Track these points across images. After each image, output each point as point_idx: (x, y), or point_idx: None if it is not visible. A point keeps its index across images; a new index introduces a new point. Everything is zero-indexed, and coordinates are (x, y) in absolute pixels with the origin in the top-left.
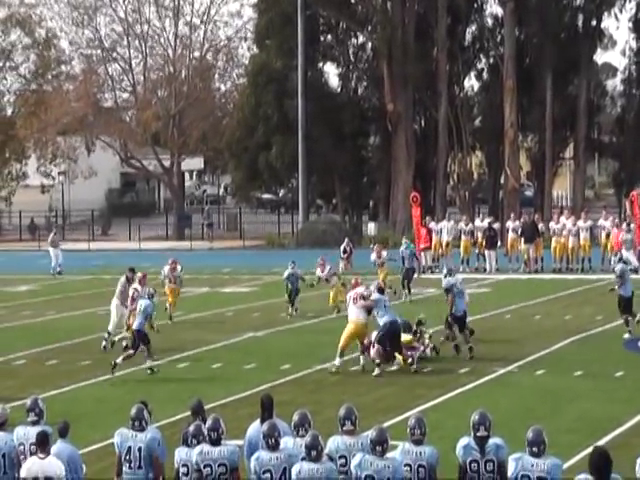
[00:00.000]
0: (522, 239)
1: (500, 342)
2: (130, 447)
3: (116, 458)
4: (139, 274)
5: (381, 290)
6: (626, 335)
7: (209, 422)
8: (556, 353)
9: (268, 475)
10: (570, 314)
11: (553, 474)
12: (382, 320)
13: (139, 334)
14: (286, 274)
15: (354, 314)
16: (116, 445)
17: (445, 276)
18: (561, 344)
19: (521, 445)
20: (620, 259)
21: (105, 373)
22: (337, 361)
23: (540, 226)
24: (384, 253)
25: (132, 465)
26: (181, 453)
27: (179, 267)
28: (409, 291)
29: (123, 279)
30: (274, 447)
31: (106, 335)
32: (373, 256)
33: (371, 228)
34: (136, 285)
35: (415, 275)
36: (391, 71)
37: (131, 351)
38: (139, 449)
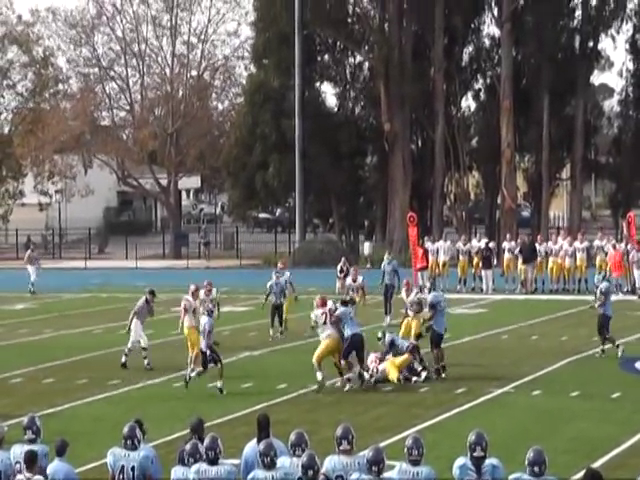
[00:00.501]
0: (520, 259)
1: (496, 362)
2: (123, 466)
3: (109, 477)
4: (192, 287)
5: (345, 303)
6: (598, 351)
7: (207, 441)
8: (552, 374)
9: None
10: (566, 335)
11: None
12: (346, 333)
13: (209, 354)
14: (269, 284)
15: (329, 330)
16: (109, 465)
17: (429, 290)
18: (557, 365)
19: (517, 465)
20: (604, 277)
21: (102, 391)
22: (319, 375)
23: (537, 247)
24: (360, 278)
25: None
26: (177, 472)
27: (214, 290)
28: (389, 310)
29: (142, 301)
30: (270, 466)
31: (126, 350)
32: (348, 280)
33: (366, 247)
34: (188, 296)
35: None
36: (388, 91)
37: (200, 369)
38: (132, 468)
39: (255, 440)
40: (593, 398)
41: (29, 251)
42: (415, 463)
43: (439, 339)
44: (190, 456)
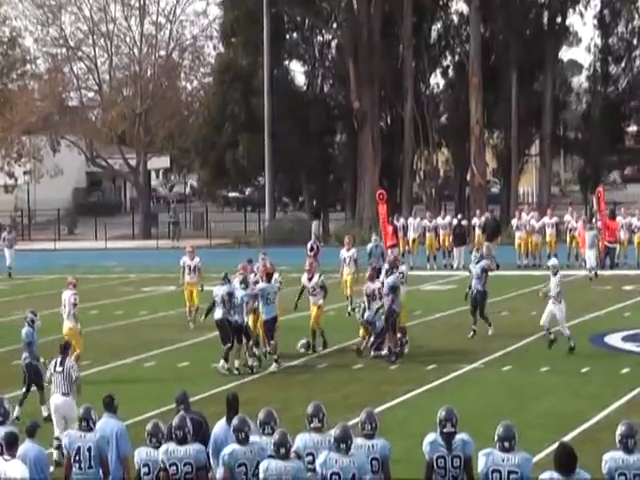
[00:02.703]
0: (483, 236)
1: (467, 339)
2: (79, 447)
3: (65, 459)
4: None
5: (269, 276)
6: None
7: (175, 420)
8: (522, 349)
9: (243, 468)
10: (536, 310)
11: (524, 468)
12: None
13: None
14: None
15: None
16: (64, 447)
17: (387, 273)
18: (527, 340)
19: (488, 441)
20: (554, 255)
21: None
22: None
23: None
24: (317, 276)
25: (82, 465)
26: (141, 453)
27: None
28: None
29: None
30: (244, 441)
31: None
32: (342, 251)
33: (314, 226)
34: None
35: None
36: (357, 69)
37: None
38: (88, 449)
39: (224, 419)
40: (563, 373)
41: (5, 233)
42: (369, 437)
43: (395, 320)
44: (152, 436)
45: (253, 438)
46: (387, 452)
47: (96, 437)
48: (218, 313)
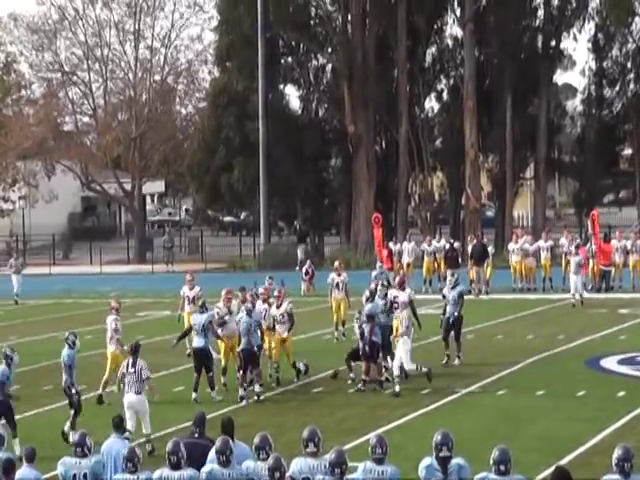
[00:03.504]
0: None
1: (462, 362)
2: (75, 475)
3: None
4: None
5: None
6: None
7: (169, 445)
8: (518, 373)
9: None
10: (532, 334)
11: None
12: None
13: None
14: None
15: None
16: (60, 475)
17: (367, 300)
18: (523, 364)
19: (483, 465)
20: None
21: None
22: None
23: (490, 248)
24: (285, 304)
25: None
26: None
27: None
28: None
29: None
30: (225, 463)
31: None
32: (333, 275)
33: (299, 251)
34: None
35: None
36: (352, 93)
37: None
38: (84, 475)
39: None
40: (558, 397)
41: (12, 259)
42: (379, 461)
43: (377, 350)
44: (128, 460)
45: (247, 464)
46: (397, 479)
47: (91, 462)
48: (198, 342)
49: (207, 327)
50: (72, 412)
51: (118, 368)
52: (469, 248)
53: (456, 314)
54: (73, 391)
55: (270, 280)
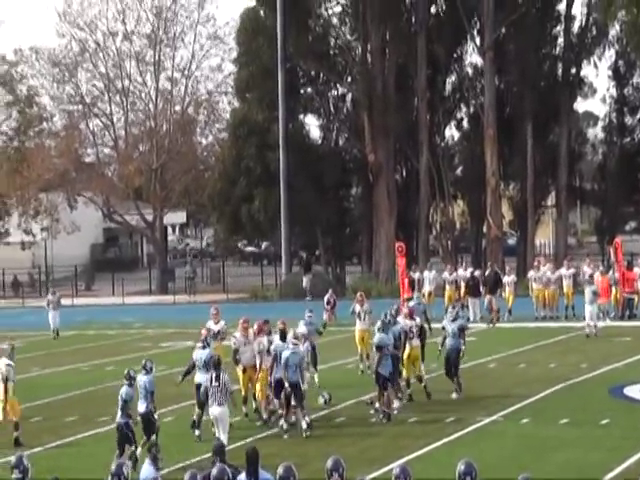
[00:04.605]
0: (484, 290)
1: (485, 391)
2: None
3: None
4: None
5: (284, 336)
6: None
7: (186, 476)
8: (541, 401)
9: None
10: (554, 362)
11: None
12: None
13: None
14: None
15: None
16: None
17: (379, 330)
18: (546, 392)
19: None
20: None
21: (91, 428)
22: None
23: (512, 277)
24: (367, 304)
25: None
26: None
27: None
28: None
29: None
30: None
31: None
32: (356, 306)
33: (305, 280)
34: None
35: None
36: (372, 122)
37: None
38: None
39: (244, 474)
40: (582, 425)
41: (49, 295)
42: None
43: (383, 382)
44: None
45: None
46: None
47: None
48: (200, 377)
49: (209, 363)
50: (151, 437)
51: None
52: (453, 276)
53: (455, 347)
54: (156, 416)
55: (310, 314)
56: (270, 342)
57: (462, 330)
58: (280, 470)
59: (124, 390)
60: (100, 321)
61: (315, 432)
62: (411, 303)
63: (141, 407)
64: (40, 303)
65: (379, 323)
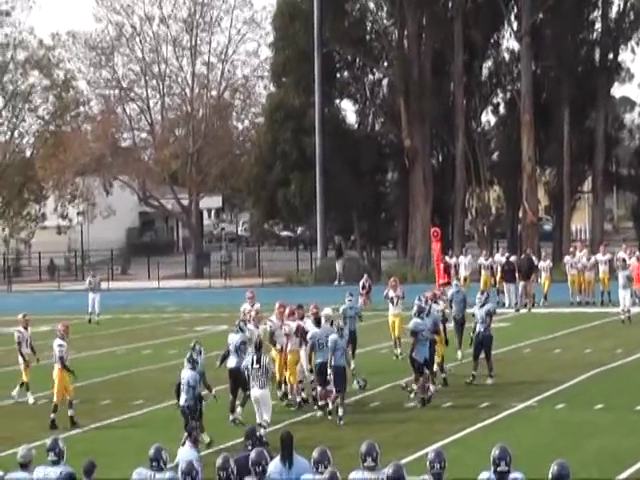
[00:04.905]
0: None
1: (520, 376)
2: None
3: None
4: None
5: (318, 321)
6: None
7: (218, 461)
8: (576, 387)
9: None
10: (590, 347)
11: None
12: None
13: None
14: (342, 308)
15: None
16: None
17: (415, 315)
18: (581, 377)
19: None
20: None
21: (124, 412)
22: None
23: (548, 262)
24: (400, 289)
25: None
26: None
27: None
28: (460, 344)
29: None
30: (261, 475)
31: None
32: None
33: (338, 265)
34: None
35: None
36: (408, 107)
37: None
38: None
39: (279, 458)
40: (617, 410)
41: (89, 277)
42: (438, 477)
43: (418, 368)
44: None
45: (305, 477)
46: None
47: (166, 477)
48: (232, 362)
49: (241, 347)
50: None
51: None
52: (485, 263)
53: (485, 333)
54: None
55: (351, 297)
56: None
57: (489, 315)
58: (315, 454)
59: (189, 375)
60: (136, 305)
61: (349, 416)
62: (450, 290)
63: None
64: (76, 287)
65: (415, 308)
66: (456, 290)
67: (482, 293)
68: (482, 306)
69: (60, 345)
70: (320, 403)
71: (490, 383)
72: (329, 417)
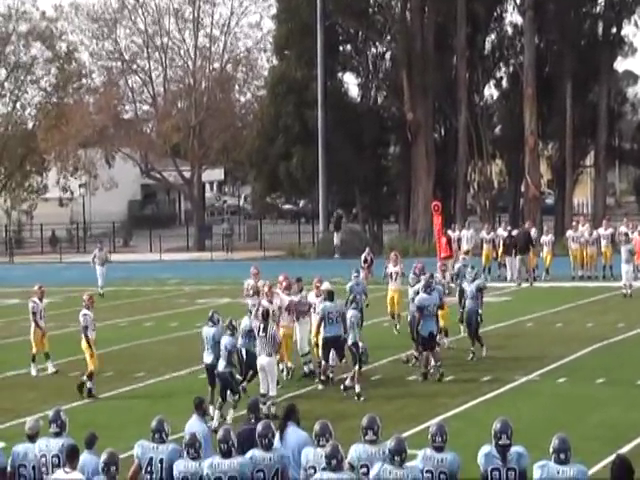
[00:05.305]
0: (514, 250)
1: (521, 350)
2: (152, 458)
3: (134, 466)
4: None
5: (331, 295)
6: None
7: (219, 434)
8: (578, 361)
9: (261, 475)
10: (591, 322)
11: None
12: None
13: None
14: (349, 285)
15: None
16: (136, 456)
17: (422, 289)
18: (583, 352)
19: (543, 453)
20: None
21: (126, 384)
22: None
23: (550, 236)
24: (400, 265)
25: (154, 477)
26: (179, 466)
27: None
28: (477, 342)
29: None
30: (267, 447)
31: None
32: (389, 266)
33: (335, 238)
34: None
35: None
36: (410, 80)
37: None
38: (160, 460)
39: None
40: (618, 385)
41: (96, 250)
42: (439, 449)
43: (423, 342)
44: (189, 446)
45: (306, 451)
46: (456, 467)
47: (168, 449)
48: (207, 358)
49: (218, 342)
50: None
51: None
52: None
53: (474, 309)
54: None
55: (357, 274)
56: (303, 299)
57: (480, 290)
58: (316, 427)
59: (227, 340)
60: (137, 277)
61: (351, 390)
62: (457, 265)
63: (207, 358)
64: (78, 259)
65: (422, 283)
66: (463, 264)
67: (472, 268)
68: (473, 281)
69: (85, 315)
70: (322, 377)
71: (485, 354)
72: (344, 393)
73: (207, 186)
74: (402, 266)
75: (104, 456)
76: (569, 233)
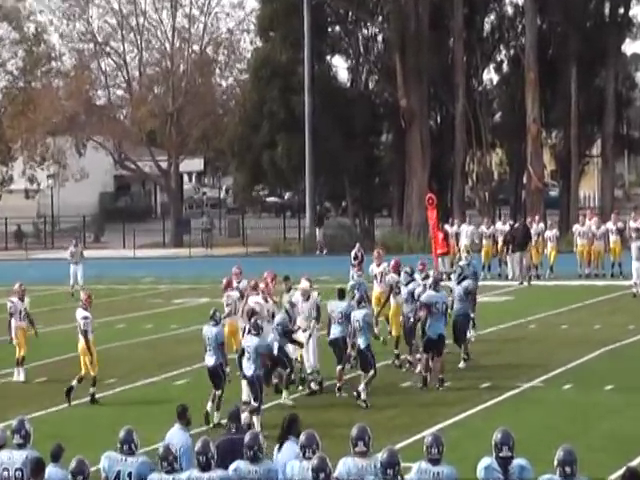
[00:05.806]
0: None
1: (524, 354)
2: (119, 472)
3: None
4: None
5: (342, 294)
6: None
7: (198, 445)
8: (585, 366)
9: None
10: (599, 323)
11: None
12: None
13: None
14: (350, 284)
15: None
16: (103, 469)
17: (430, 286)
18: (590, 356)
19: (547, 466)
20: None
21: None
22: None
23: (555, 231)
24: (384, 264)
25: None
26: (153, 478)
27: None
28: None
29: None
30: (253, 459)
31: None
32: (372, 266)
33: (318, 233)
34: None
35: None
36: (404, 64)
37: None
38: (129, 474)
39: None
40: (629, 392)
41: (71, 247)
42: (435, 462)
43: (430, 345)
44: (163, 460)
45: (291, 464)
46: None
47: (138, 462)
48: (210, 360)
49: (221, 343)
50: (218, 392)
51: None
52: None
53: (462, 312)
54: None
55: (360, 272)
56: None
57: (469, 293)
58: (302, 438)
59: (255, 342)
60: (109, 275)
61: (340, 397)
62: (461, 263)
63: (209, 360)
64: (45, 255)
65: (431, 279)
66: (466, 262)
67: (460, 267)
68: (460, 282)
69: (85, 317)
70: (338, 384)
71: (462, 367)
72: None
73: (185, 177)
74: (386, 264)
75: (72, 464)
76: (576, 227)
